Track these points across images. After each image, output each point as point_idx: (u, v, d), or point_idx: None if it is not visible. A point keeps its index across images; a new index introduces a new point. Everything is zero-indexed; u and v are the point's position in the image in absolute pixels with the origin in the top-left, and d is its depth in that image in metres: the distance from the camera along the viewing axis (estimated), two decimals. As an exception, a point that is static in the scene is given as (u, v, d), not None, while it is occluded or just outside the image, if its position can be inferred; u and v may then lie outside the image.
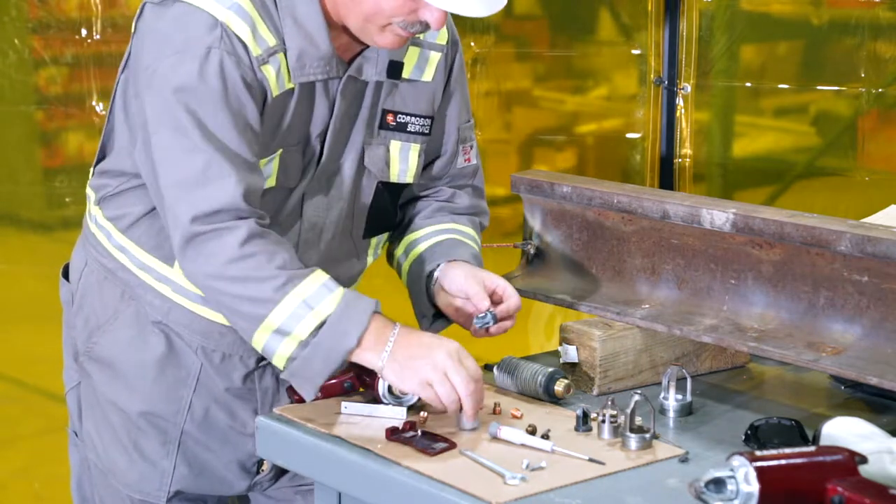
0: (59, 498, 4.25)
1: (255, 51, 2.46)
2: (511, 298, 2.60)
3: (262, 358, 2.64)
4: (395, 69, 2.61)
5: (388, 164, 2.67)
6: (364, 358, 2.42)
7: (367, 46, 2.56)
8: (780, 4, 4.63)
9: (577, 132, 4.89)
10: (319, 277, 2.44)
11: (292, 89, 2.52)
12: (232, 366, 2.65)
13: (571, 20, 4.85)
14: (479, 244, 2.78)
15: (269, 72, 2.48)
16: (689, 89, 4.51)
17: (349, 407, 2.50)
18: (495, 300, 2.60)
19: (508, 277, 2.86)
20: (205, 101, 2.43)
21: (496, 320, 2.58)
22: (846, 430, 2.25)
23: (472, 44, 4.61)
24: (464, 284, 2.61)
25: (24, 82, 4.49)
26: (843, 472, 2.01)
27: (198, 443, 2.68)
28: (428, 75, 2.67)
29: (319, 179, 2.60)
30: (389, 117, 2.65)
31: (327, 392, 2.57)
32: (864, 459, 2.04)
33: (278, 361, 2.44)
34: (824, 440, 2.25)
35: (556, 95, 4.95)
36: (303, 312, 2.40)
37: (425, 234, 2.75)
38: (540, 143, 4.88)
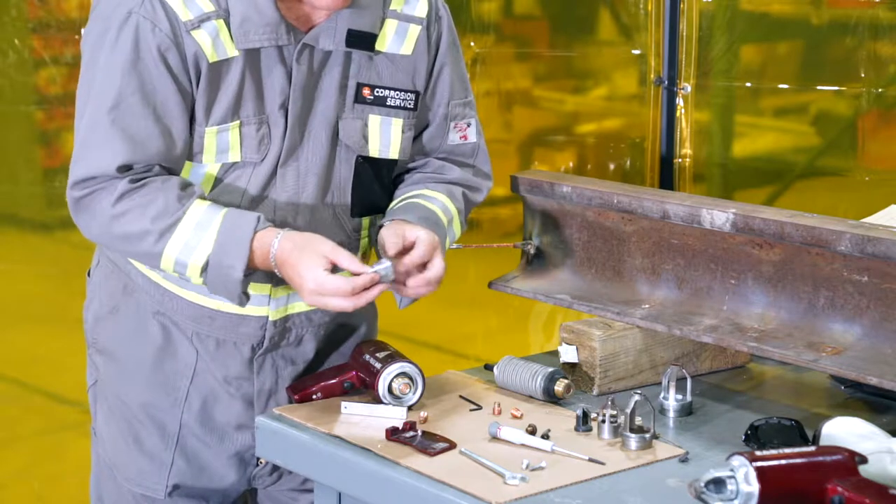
0: (59, 498, 4.25)
1: (185, 16, 2.47)
2: (418, 250, 2.50)
3: (257, 345, 2.65)
4: (362, 40, 2.58)
5: (366, 138, 2.64)
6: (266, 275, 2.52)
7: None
8: (780, 4, 4.63)
9: (577, 132, 4.89)
10: (193, 217, 2.47)
11: (236, 57, 2.51)
12: (227, 353, 2.65)
13: (571, 20, 4.85)
14: (450, 211, 2.70)
15: (201, 37, 2.48)
16: (689, 89, 4.50)
17: (349, 407, 2.50)
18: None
19: (508, 277, 2.86)
20: (112, 68, 2.47)
21: (392, 274, 2.46)
22: (846, 430, 2.25)
23: (472, 44, 4.61)
24: (383, 236, 2.55)
25: (24, 82, 4.49)
26: (843, 472, 2.01)
27: (196, 437, 2.69)
28: (407, 48, 2.64)
29: (289, 153, 2.58)
30: (366, 91, 2.62)
31: (327, 392, 2.58)
32: (864, 459, 2.04)
33: (198, 286, 2.54)
34: (824, 440, 2.25)
35: (556, 95, 4.95)
36: (186, 258, 2.47)
37: (392, 204, 2.71)
38: (540, 143, 4.87)
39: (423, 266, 2.51)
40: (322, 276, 2.42)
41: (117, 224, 2.47)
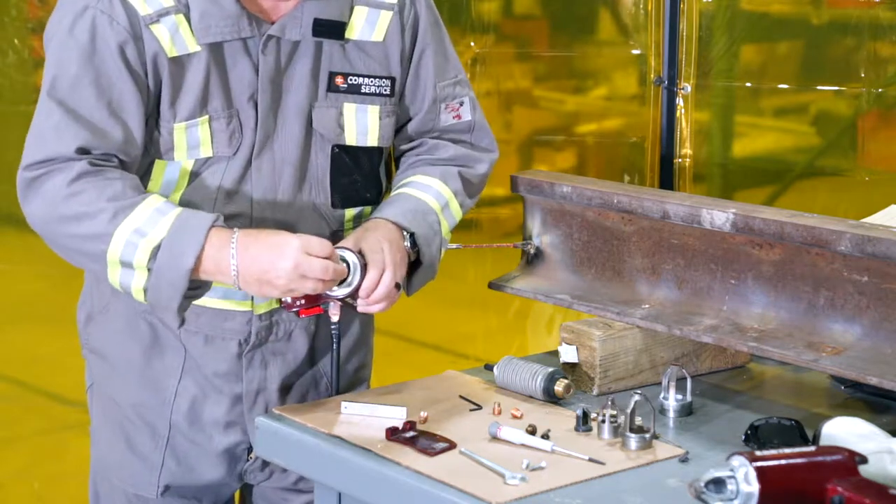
0: (59, 498, 4.25)
1: (144, 10, 2.47)
2: (365, 276, 2.51)
3: (244, 340, 2.64)
4: (331, 29, 2.58)
5: (342, 126, 2.63)
6: (216, 278, 2.44)
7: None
8: (780, 4, 4.63)
9: (577, 132, 4.89)
10: (152, 203, 2.44)
11: (198, 52, 2.50)
12: (216, 348, 2.65)
13: (571, 20, 4.85)
14: (444, 196, 2.71)
15: (160, 32, 2.47)
16: (689, 89, 4.51)
17: (349, 407, 2.50)
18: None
19: (508, 277, 2.86)
20: (68, 55, 2.46)
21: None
22: (846, 430, 2.25)
23: (472, 44, 4.61)
24: (342, 243, 2.55)
25: (24, 82, 4.49)
26: (843, 472, 2.01)
27: (185, 437, 2.69)
28: (378, 35, 2.64)
29: (262, 144, 2.58)
30: (339, 79, 2.62)
31: (308, 298, 2.55)
32: (864, 459, 2.04)
33: (137, 296, 2.45)
34: (824, 440, 2.25)
35: (556, 95, 4.95)
36: (136, 241, 2.41)
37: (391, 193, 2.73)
38: (540, 143, 4.88)
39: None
40: (306, 237, 2.43)
41: (69, 202, 2.42)
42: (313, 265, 2.42)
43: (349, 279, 2.51)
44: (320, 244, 2.44)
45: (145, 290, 2.44)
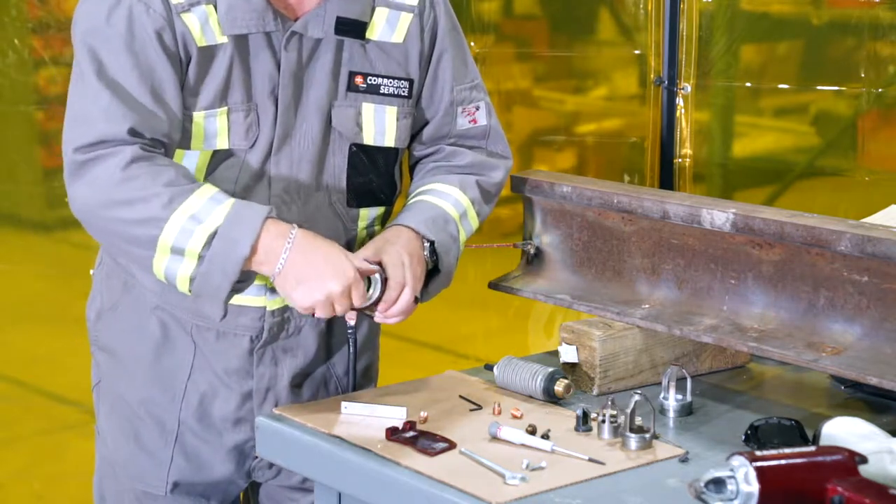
0: (59, 498, 4.26)
1: None
2: (387, 290, 2.54)
3: (256, 336, 2.65)
4: (352, 28, 2.59)
5: (360, 126, 2.64)
6: (260, 270, 2.46)
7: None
8: (780, 4, 4.63)
9: (577, 132, 4.89)
10: (207, 191, 2.45)
11: (224, 44, 2.52)
12: (228, 344, 2.65)
13: (571, 20, 4.85)
14: (462, 204, 2.72)
15: (190, 21, 2.49)
16: (689, 89, 4.50)
17: (349, 407, 2.51)
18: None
19: (508, 277, 2.86)
20: (107, 43, 2.47)
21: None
22: (846, 430, 2.25)
23: (472, 44, 4.61)
24: (363, 251, 2.58)
25: (24, 82, 4.49)
26: (843, 472, 2.01)
27: (194, 433, 2.70)
28: (399, 36, 2.65)
29: (281, 140, 2.59)
30: (358, 79, 2.63)
31: None
32: (864, 459, 2.04)
33: (182, 285, 2.45)
34: (824, 440, 2.25)
35: (556, 95, 4.95)
36: (192, 227, 2.41)
37: (407, 198, 2.74)
38: (540, 143, 4.87)
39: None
40: (359, 279, 2.46)
41: (123, 188, 2.42)
42: (345, 305, 2.47)
43: (370, 293, 2.52)
44: (360, 297, 2.48)
45: (192, 279, 2.44)
